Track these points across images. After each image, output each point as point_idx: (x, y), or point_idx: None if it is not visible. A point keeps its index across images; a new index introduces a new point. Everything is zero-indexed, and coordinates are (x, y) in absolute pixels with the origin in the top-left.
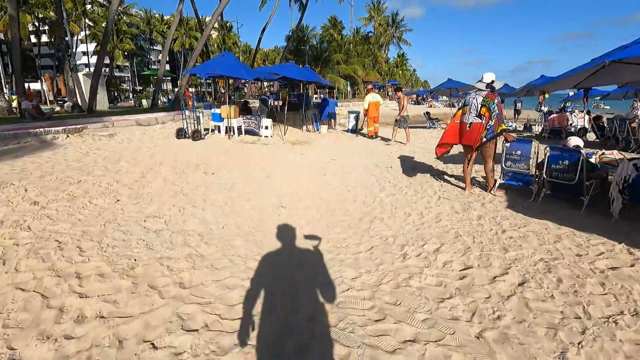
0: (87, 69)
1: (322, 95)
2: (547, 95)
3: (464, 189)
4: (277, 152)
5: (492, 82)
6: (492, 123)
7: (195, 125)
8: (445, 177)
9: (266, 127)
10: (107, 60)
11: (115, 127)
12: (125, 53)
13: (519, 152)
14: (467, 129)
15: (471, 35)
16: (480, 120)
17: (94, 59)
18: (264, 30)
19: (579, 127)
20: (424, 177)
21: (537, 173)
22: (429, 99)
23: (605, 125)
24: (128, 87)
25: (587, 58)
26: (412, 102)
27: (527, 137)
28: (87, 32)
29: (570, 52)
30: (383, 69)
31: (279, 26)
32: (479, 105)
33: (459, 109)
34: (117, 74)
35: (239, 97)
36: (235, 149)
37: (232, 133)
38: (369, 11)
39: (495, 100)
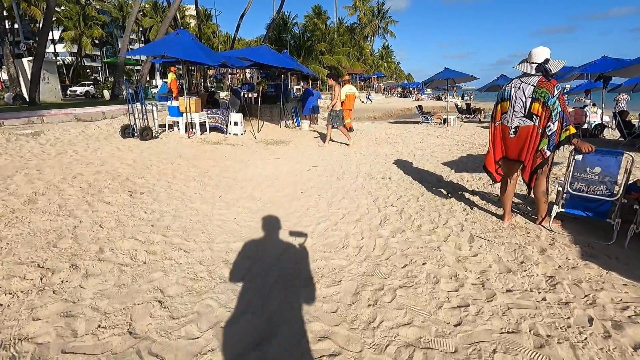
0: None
1: (304, 87)
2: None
3: (498, 216)
4: (244, 155)
5: (547, 61)
6: (554, 127)
7: (146, 121)
8: (465, 193)
9: (235, 124)
10: (75, 49)
11: (46, 123)
12: (96, 41)
13: (597, 170)
14: (512, 135)
15: (455, 29)
16: (532, 123)
17: (60, 47)
18: (242, 16)
19: (593, 124)
20: (436, 195)
21: (624, 200)
22: (416, 92)
23: (637, 123)
24: (99, 78)
25: (568, 52)
26: (398, 95)
27: None
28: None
29: (551, 46)
30: (368, 60)
31: (262, 15)
32: (528, 100)
33: (496, 105)
34: (88, 63)
35: (218, 89)
36: (191, 152)
37: (192, 130)
38: (354, 1)
39: (555, 91)
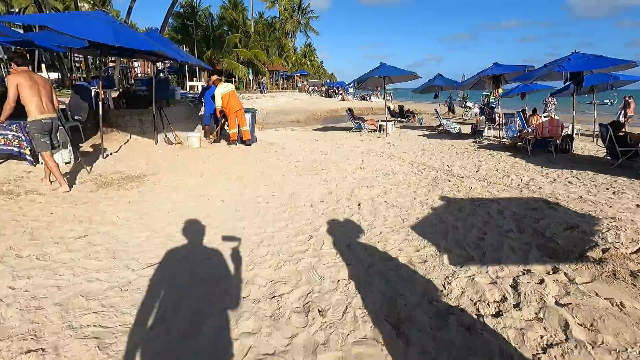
0: None
1: (209, 83)
2: (501, 91)
3: None
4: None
5: None
6: None
7: None
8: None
9: (57, 146)
10: None
11: None
12: None
13: None
14: None
15: (374, 31)
16: None
17: None
18: None
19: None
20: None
21: None
22: (342, 92)
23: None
24: None
25: (470, 57)
26: (323, 95)
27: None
28: None
29: (456, 51)
30: (291, 58)
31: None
32: None
33: None
34: None
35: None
36: None
37: None
38: None
39: None
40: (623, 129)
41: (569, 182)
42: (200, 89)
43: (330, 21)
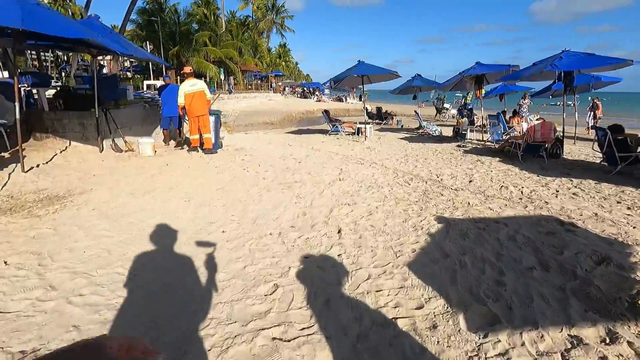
0: None
1: (166, 81)
2: (484, 91)
3: None
4: None
5: None
6: None
7: None
8: None
9: None
10: None
11: None
12: None
13: None
14: None
15: (348, 32)
16: None
17: None
18: None
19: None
20: None
21: None
22: (317, 92)
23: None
24: None
25: (441, 60)
26: (298, 96)
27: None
28: None
29: (428, 54)
30: (265, 58)
31: None
32: None
33: None
34: None
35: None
36: None
37: None
38: None
39: None
40: (623, 132)
41: (573, 194)
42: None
43: (304, 22)
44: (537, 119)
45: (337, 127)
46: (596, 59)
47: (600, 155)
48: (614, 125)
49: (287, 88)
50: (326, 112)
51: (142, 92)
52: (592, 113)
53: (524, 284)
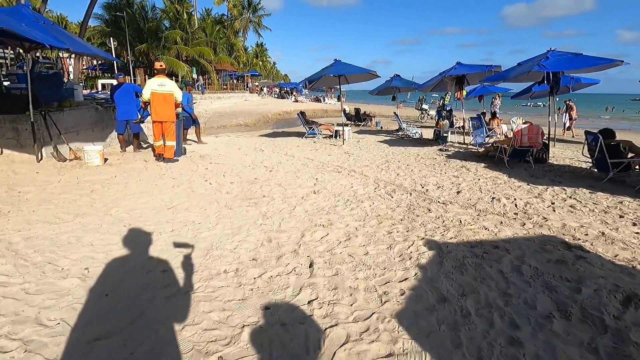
0: None
1: (118, 80)
2: (465, 93)
3: None
4: None
5: None
6: None
7: None
8: None
9: None
10: None
11: None
12: None
13: None
14: None
15: (326, 33)
16: None
17: None
18: None
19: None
20: None
21: None
22: (294, 93)
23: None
24: None
25: (418, 61)
26: (275, 96)
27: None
28: None
29: (405, 55)
30: (242, 58)
31: None
32: None
33: None
34: None
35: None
36: None
37: None
38: None
39: None
40: (614, 137)
41: (570, 206)
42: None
43: (281, 22)
44: (523, 123)
45: (313, 130)
46: (585, 59)
47: (590, 160)
48: (605, 130)
49: (264, 88)
50: (302, 113)
51: (96, 93)
52: (567, 114)
53: (546, 344)
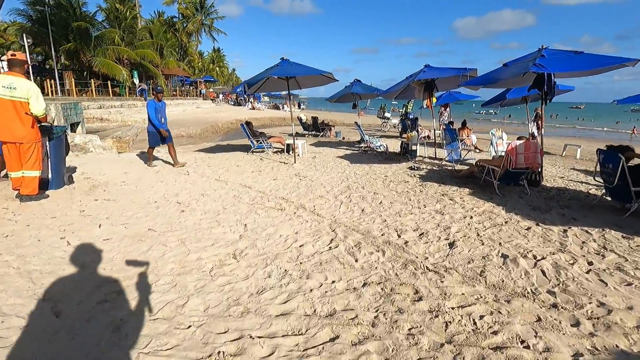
0: None
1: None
2: (435, 100)
3: None
4: None
5: None
6: None
7: None
8: None
9: None
10: None
11: None
12: None
13: None
14: None
15: (286, 39)
16: None
17: None
18: None
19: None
20: None
21: None
22: (251, 100)
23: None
24: None
25: (376, 70)
26: (232, 103)
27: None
28: None
29: (364, 64)
30: (196, 62)
31: None
32: None
33: None
34: None
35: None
36: None
37: None
38: None
39: None
40: (634, 155)
41: (618, 268)
42: None
43: (241, 28)
44: (517, 138)
45: (261, 143)
46: (590, 58)
47: (595, 181)
48: (621, 147)
49: (220, 95)
50: (247, 124)
51: None
52: (535, 123)
53: None
